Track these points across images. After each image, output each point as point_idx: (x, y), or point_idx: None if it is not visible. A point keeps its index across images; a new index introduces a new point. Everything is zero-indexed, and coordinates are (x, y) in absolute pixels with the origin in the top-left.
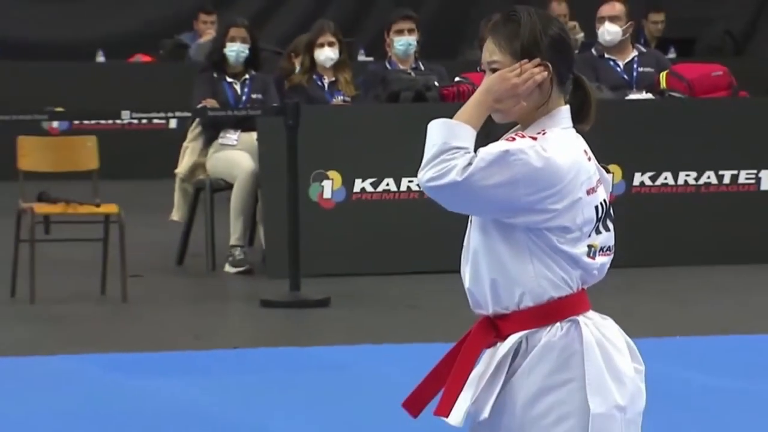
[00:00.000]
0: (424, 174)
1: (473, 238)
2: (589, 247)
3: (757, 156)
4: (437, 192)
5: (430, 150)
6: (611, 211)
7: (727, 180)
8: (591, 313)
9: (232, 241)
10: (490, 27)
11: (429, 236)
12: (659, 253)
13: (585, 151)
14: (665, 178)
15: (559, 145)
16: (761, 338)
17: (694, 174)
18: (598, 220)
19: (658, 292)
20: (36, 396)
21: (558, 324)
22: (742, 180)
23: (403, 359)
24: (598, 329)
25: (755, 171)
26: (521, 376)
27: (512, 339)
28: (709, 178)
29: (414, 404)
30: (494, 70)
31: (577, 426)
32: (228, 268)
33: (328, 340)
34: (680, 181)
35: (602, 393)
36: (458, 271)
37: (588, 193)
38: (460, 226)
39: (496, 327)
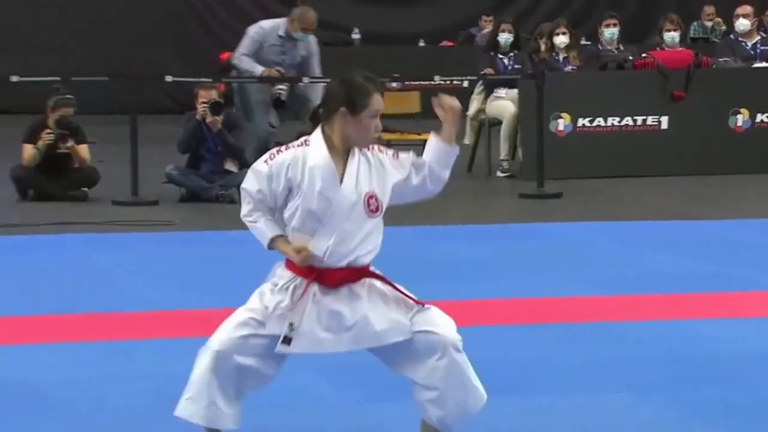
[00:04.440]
0: None
1: None
2: None
3: None
4: None
5: None
6: None
7: None
8: None
9: (502, 156)
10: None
11: (634, 152)
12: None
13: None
14: None
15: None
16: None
17: None
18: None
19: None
20: None
21: None
22: None
23: (609, 232)
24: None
25: None
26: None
27: None
28: None
29: None
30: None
31: None
32: (499, 174)
33: (562, 218)
34: None
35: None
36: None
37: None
38: None
39: None
